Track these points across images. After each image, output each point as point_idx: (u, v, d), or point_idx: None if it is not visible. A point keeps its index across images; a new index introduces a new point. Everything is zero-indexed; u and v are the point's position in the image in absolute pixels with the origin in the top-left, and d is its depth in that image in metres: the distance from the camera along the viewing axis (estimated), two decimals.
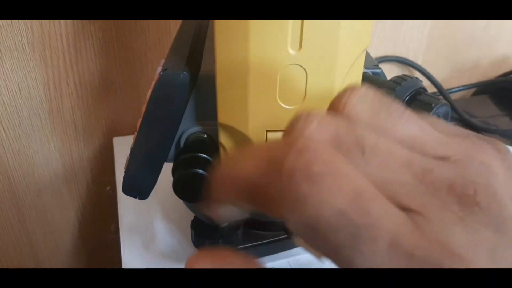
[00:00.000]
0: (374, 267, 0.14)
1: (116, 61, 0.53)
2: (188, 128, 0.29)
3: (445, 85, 0.70)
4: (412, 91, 0.25)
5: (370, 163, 0.15)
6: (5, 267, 0.61)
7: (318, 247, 0.14)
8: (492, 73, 0.77)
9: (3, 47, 0.47)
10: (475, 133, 0.18)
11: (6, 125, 0.52)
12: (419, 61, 0.69)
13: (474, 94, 0.76)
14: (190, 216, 0.37)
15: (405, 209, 0.14)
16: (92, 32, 0.50)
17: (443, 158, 0.16)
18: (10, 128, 0.52)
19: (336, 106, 0.16)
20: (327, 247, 0.14)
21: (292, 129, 0.15)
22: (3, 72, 0.48)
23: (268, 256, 0.39)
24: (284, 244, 0.39)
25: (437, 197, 0.15)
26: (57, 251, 0.64)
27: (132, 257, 0.39)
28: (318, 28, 0.23)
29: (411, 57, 0.68)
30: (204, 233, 0.35)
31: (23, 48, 0.48)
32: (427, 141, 0.16)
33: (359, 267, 0.14)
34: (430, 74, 0.68)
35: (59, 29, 0.48)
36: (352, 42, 0.24)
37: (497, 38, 0.73)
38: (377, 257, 0.13)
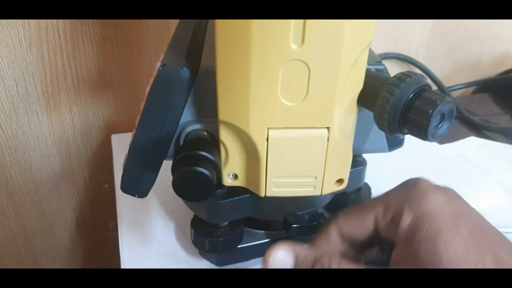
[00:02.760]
0: None
1: (114, 57, 0.52)
2: (188, 125, 0.29)
3: (446, 83, 0.69)
4: (416, 88, 0.24)
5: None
6: (2, 265, 0.61)
7: None
8: (493, 71, 0.76)
9: (0, 42, 0.46)
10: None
11: (3, 122, 0.51)
12: (420, 59, 0.69)
13: (475, 92, 0.75)
14: (190, 214, 0.36)
15: None
16: (90, 27, 0.49)
17: None
18: (7, 125, 0.52)
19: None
20: None
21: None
22: None
23: None
24: None
25: None
26: (54, 248, 0.63)
27: (131, 255, 0.39)
28: (321, 23, 0.22)
29: (412, 54, 0.68)
30: (204, 232, 0.34)
31: (20, 43, 0.47)
32: None
33: None
34: (430, 71, 0.68)
35: (56, 24, 0.48)
36: (356, 37, 0.23)
37: (499, 36, 0.73)
38: None
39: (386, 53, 0.66)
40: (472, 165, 0.52)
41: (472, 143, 0.57)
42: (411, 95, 0.24)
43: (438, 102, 0.23)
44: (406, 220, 0.24)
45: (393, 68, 0.68)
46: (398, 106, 0.24)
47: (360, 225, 0.26)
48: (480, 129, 0.60)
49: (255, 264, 0.38)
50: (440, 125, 0.24)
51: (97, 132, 0.57)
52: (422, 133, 0.24)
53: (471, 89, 0.75)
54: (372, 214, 0.26)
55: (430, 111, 0.23)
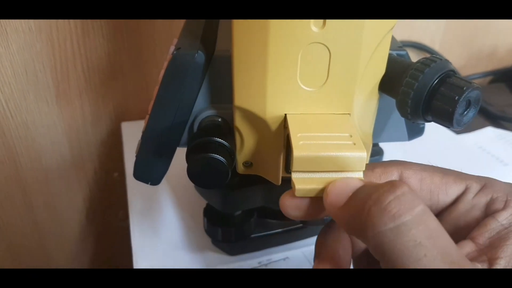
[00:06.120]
0: None
1: (124, 45, 0.52)
2: (202, 111, 0.28)
3: (462, 73, 0.68)
4: (441, 74, 0.23)
5: None
6: (12, 254, 0.61)
7: None
8: (509, 61, 0.74)
9: (10, 28, 0.46)
10: None
11: (13, 110, 0.51)
12: (436, 47, 0.67)
13: (491, 82, 0.74)
14: (202, 202, 0.36)
15: None
16: None
17: None
18: (17, 113, 0.51)
19: None
20: None
21: None
22: (9, 54, 0.47)
23: (282, 245, 0.38)
24: (298, 233, 0.38)
25: None
26: (64, 238, 0.63)
27: (142, 244, 0.38)
28: None
29: (427, 42, 0.66)
30: (217, 221, 0.34)
31: (29, 29, 0.47)
32: None
33: None
34: None
35: None
36: (379, 20, 0.22)
37: None
38: None
39: (402, 41, 0.65)
40: (489, 156, 0.51)
41: (490, 133, 0.55)
42: (436, 81, 0.23)
43: (464, 88, 0.22)
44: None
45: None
46: (422, 92, 0.23)
47: (443, 186, 0.23)
48: (497, 120, 0.59)
49: (268, 254, 0.37)
50: (465, 112, 0.23)
51: (107, 120, 0.56)
52: (447, 121, 0.23)
53: (488, 79, 0.74)
54: (464, 183, 0.23)
55: (456, 98, 0.22)
